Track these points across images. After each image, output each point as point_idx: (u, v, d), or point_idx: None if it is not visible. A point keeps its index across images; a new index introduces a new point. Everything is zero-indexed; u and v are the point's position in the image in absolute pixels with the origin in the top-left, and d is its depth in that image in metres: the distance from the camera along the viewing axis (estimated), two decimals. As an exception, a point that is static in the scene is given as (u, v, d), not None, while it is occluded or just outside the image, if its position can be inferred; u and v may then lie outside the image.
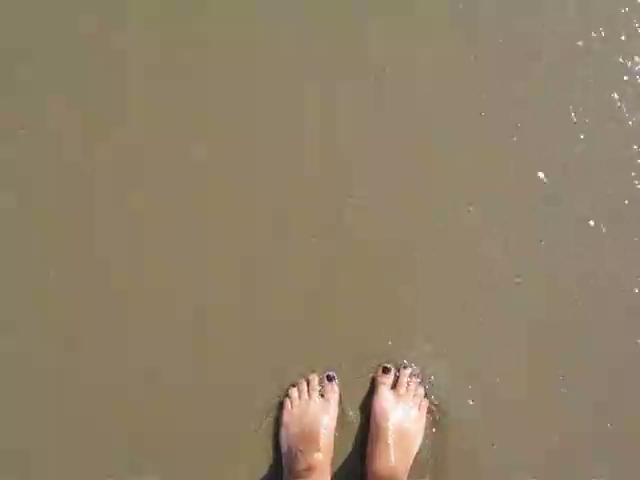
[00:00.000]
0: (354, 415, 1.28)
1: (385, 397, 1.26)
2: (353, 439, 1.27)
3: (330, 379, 1.27)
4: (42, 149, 1.33)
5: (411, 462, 1.24)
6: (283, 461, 1.24)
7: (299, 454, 1.20)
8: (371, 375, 1.29)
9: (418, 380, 1.29)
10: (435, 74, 1.37)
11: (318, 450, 1.20)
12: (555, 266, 1.32)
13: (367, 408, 1.28)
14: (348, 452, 1.27)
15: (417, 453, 1.25)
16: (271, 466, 1.25)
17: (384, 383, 1.27)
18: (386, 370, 1.28)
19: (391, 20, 1.38)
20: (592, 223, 1.34)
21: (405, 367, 1.29)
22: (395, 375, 1.29)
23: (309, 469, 1.18)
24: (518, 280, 1.32)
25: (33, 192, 1.32)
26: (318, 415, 1.23)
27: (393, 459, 1.20)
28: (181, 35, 1.37)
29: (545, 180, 1.35)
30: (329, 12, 1.38)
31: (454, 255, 1.32)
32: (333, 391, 1.27)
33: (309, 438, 1.21)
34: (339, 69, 1.37)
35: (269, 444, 1.26)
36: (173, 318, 1.29)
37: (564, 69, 1.39)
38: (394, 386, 1.28)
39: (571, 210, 1.34)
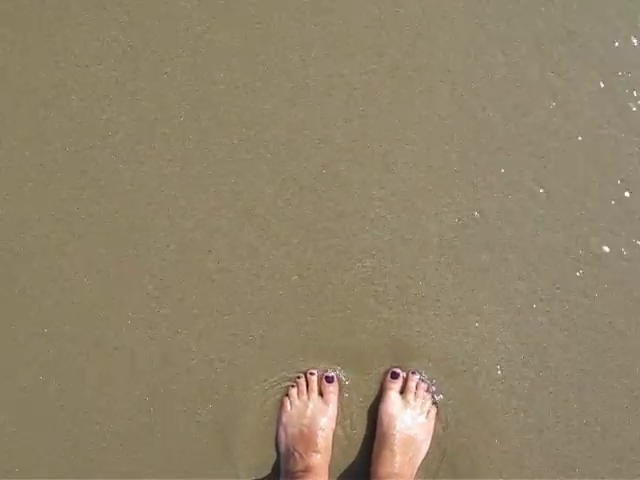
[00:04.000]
0: (360, 418, 1.27)
1: (392, 403, 1.24)
2: (359, 443, 1.26)
3: (329, 380, 1.25)
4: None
5: (416, 469, 1.22)
6: (280, 461, 1.24)
7: (296, 455, 1.20)
8: (379, 377, 1.27)
9: (427, 385, 1.26)
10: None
11: (316, 451, 1.20)
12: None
13: (374, 411, 1.26)
14: (353, 456, 1.26)
15: (423, 459, 1.23)
16: (268, 466, 1.26)
17: (392, 388, 1.25)
18: (395, 375, 1.25)
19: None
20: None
21: (414, 372, 1.25)
22: (403, 380, 1.26)
23: (306, 470, 1.17)
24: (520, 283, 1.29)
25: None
26: (316, 416, 1.23)
27: (398, 466, 1.18)
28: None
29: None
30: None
31: (460, 259, 1.29)
32: (332, 392, 1.25)
33: (307, 439, 1.21)
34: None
35: (267, 444, 1.26)
36: (172, 318, 1.30)
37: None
38: (402, 391, 1.25)
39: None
